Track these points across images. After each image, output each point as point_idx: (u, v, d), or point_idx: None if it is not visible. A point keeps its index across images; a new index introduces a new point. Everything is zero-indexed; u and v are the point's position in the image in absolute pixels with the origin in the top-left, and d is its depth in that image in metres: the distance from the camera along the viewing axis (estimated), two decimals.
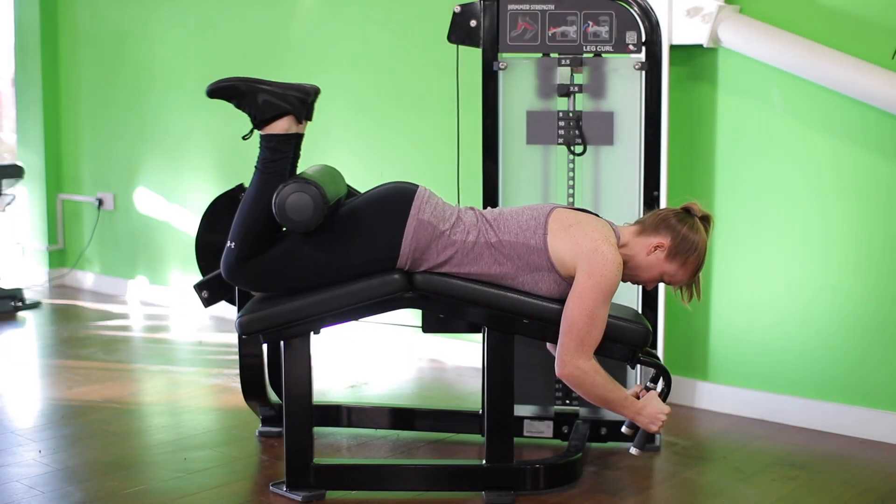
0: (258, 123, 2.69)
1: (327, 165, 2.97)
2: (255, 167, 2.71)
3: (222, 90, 2.68)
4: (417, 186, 2.73)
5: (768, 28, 3.37)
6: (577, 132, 3.12)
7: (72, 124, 5.97)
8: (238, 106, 2.69)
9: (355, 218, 2.69)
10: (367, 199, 2.74)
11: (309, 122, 2.75)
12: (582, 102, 3.15)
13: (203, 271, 3.17)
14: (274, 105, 2.66)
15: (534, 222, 2.67)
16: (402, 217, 2.66)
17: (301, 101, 2.68)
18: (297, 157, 2.74)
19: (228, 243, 2.70)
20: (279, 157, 2.68)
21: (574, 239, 2.62)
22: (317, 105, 2.75)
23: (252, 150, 2.78)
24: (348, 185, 3.01)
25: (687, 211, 2.74)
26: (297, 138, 2.71)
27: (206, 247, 3.17)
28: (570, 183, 3.18)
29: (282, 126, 2.68)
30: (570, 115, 3.14)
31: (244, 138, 2.75)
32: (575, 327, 2.58)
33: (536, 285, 2.66)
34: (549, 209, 2.71)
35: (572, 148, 3.14)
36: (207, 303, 3.12)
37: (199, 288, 3.11)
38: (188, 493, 2.83)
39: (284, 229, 2.69)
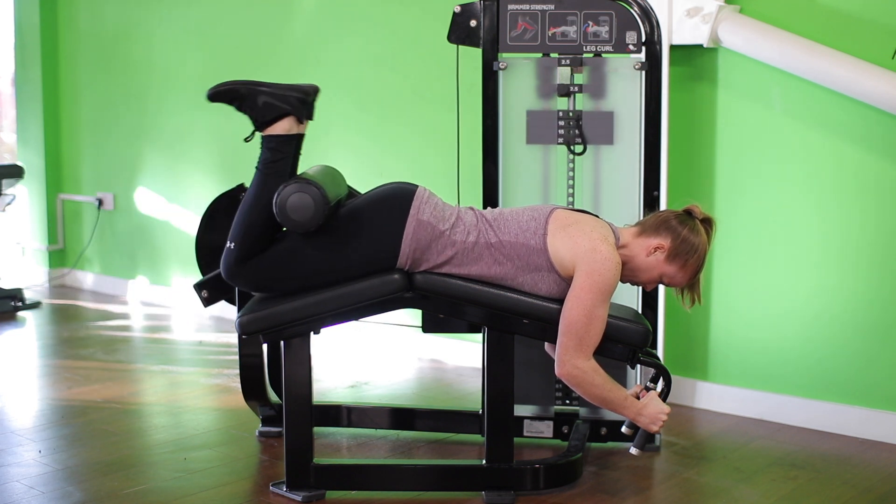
0: (259, 125, 2.71)
1: (328, 166, 2.97)
2: (256, 168, 2.71)
3: (223, 94, 2.69)
4: (417, 186, 2.73)
5: (768, 28, 3.37)
6: (577, 131, 3.12)
7: (72, 124, 5.97)
8: (239, 108, 2.71)
9: (355, 219, 2.69)
10: (366, 200, 2.73)
11: (310, 122, 2.76)
12: (582, 102, 3.15)
13: (203, 271, 3.18)
14: (274, 106, 2.67)
15: (534, 223, 2.67)
16: (401, 217, 2.66)
17: (301, 102, 2.69)
18: (297, 157, 2.74)
19: (228, 244, 2.70)
20: (280, 157, 2.69)
21: (573, 239, 2.62)
22: (317, 105, 2.75)
23: (253, 149, 2.78)
24: (349, 186, 3.01)
25: (688, 213, 2.74)
26: (297, 139, 2.72)
27: (206, 247, 3.17)
28: (570, 183, 3.18)
29: (283, 127, 2.69)
30: (570, 114, 3.14)
31: (246, 140, 2.76)
32: (574, 327, 2.58)
33: (536, 285, 2.66)
34: (549, 210, 2.71)
35: (572, 147, 3.14)
36: (207, 302, 3.13)
37: (198, 287, 3.12)
38: (188, 493, 2.82)
39: (284, 230, 2.69)
